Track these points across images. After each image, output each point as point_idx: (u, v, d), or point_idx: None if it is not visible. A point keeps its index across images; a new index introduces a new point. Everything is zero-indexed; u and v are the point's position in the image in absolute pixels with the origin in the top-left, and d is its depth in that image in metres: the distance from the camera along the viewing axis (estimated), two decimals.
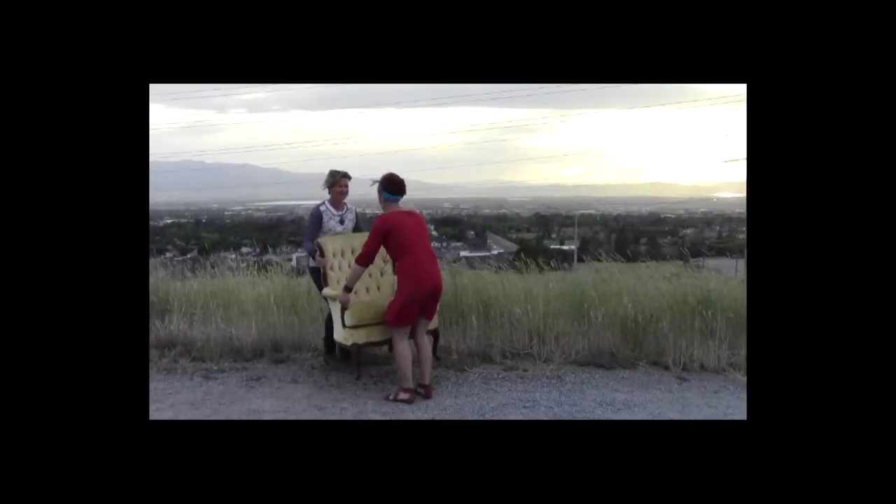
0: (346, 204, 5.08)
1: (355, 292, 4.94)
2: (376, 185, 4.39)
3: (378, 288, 5.06)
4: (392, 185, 4.39)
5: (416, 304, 4.27)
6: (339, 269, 4.96)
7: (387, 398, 4.30)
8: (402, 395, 4.27)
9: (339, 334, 4.65)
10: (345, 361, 4.95)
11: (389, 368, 4.99)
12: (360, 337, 4.48)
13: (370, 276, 5.04)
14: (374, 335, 4.51)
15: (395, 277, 4.40)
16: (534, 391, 4.48)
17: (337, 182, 4.95)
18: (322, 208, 5.00)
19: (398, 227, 4.27)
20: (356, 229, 5.13)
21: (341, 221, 5.03)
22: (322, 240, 4.93)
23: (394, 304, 4.29)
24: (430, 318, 4.48)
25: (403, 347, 4.32)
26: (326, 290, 4.78)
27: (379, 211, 4.56)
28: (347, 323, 4.47)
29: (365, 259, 4.32)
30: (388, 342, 4.58)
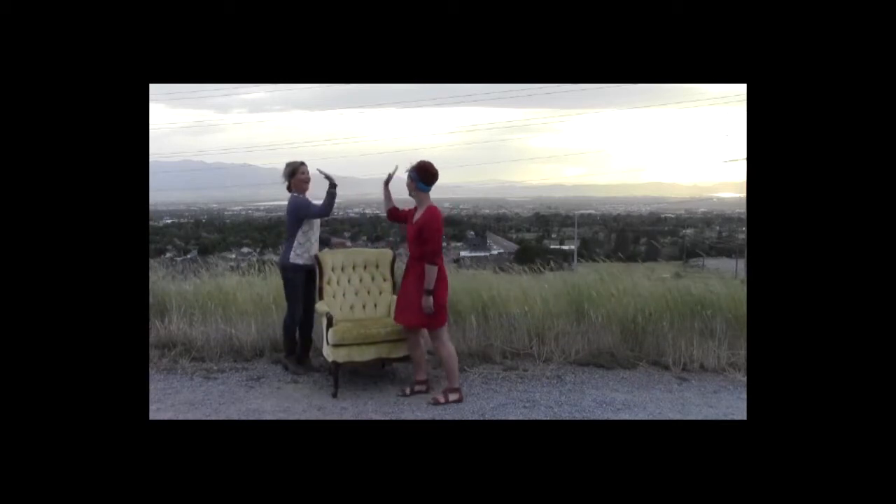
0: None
1: (351, 308, 4.94)
2: (407, 173, 4.22)
3: (375, 306, 5.01)
4: (429, 176, 4.22)
5: (446, 305, 4.31)
6: (338, 283, 4.94)
7: (435, 402, 4.22)
8: (453, 396, 4.25)
9: (325, 349, 4.64)
10: (302, 370, 4.91)
11: (369, 381, 4.99)
12: (341, 356, 4.41)
13: (368, 293, 5.01)
14: (356, 355, 4.44)
15: (419, 280, 4.24)
16: (534, 391, 4.49)
17: (297, 170, 4.84)
18: (301, 199, 4.83)
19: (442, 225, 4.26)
20: None
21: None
22: (322, 254, 4.92)
23: (440, 308, 4.20)
24: None
25: (450, 346, 4.32)
26: (319, 305, 4.75)
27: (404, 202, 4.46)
28: (330, 341, 4.42)
29: (439, 256, 4.20)
30: (370, 363, 4.55)
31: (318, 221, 4.94)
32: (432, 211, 4.21)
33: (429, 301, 4.12)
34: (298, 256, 4.80)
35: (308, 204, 4.84)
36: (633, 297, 5.46)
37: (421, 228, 4.17)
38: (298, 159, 4.95)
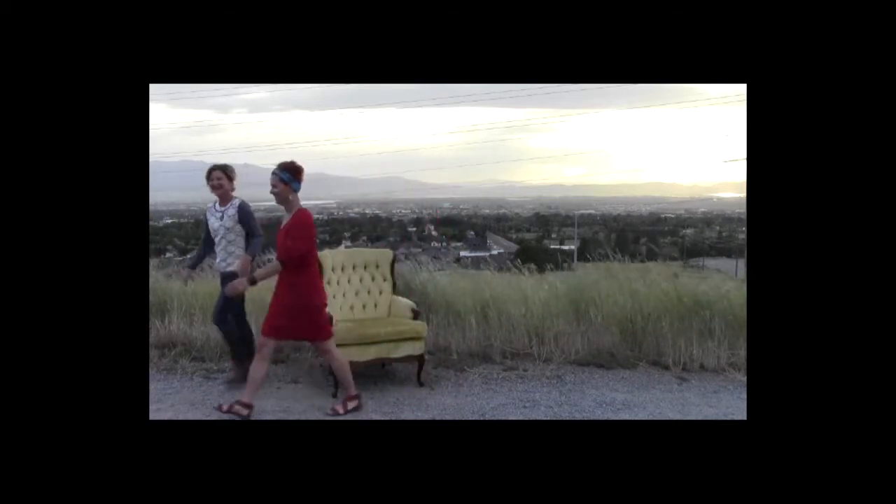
0: (233, 198, 4.63)
1: (351, 308, 4.91)
2: (275, 175, 3.83)
3: (375, 306, 5.01)
4: (301, 174, 3.90)
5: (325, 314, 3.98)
6: (338, 283, 4.94)
7: (334, 413, 3.98)
8: (352, 404, 4.03)
9: None
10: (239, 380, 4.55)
11: (369, 381, 4.99)
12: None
13: (368, 293, 5.01)
14: (356, 355, 4.43)
15: (291, 289, 3.83)
16: (534, 391, 4.48)
17: (209, 178, 4.62)
18: (208, 206, 4.75)
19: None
20: (249, 228, 4.59)
21: (221, 218, 4.62)
22: (322, 254, 4.91)
23: (319, 318, 3.90)
24: None
25: (341, 356, 4.06)
26: None
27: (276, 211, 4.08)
28: None
29: (301, 259, 3.78)
30: (370, 363, 4.52)
31: (215, 224, 4.66)
32: (304, 212, 3.88)
33: (242, 284, 3.84)
34: (230, 265, 4.60)
35: (203, 224, 4.76)
36: (633, 297, 5.46)
37: (289, 230, 3.83)
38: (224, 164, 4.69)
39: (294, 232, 3.79)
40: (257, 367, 3.88)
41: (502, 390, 4.51)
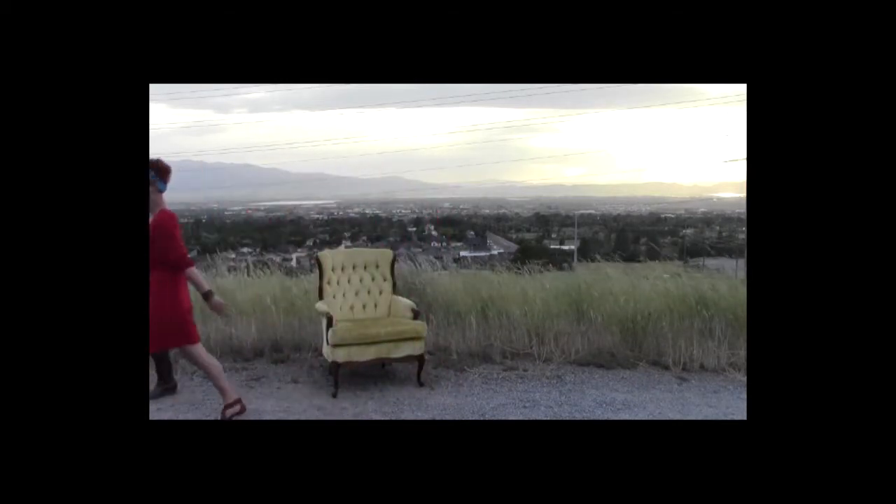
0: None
1: (351, 308, 4.93)
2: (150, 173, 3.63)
3: (375, 306, 5.02)
4: (167, 175, 3.77)
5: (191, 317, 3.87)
6: (338, 283, 4.95)
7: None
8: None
9: (325, 349, 4.66)
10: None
11: (369, 381, 4.99)
12: (341, 356, 4.45)
13: (368, 293, 5.02)
14: (356, 355, 4.47)
15: (157, 296, 3.61)
16: (534, 391, 4.49)
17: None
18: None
19: None
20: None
21: None
22: (322, 254, 4.93)
23: (187, 321, 3.89)
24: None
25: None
26: (319, 305, 4.76)
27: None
28: (330, 341, 4.45)
29: (188, 258, 3.79)
30: (370, 363, 4.54)
31: None
32: (167, 213, 3.73)
33: (216, 300, 3.84)
34: None
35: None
36: (633, 297, 5.47)
37: (153, 234, 3.59)
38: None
39: (162, 241, 3.62)
40: (214, 369, 3.91)
41: (502, 390, 4.52)
